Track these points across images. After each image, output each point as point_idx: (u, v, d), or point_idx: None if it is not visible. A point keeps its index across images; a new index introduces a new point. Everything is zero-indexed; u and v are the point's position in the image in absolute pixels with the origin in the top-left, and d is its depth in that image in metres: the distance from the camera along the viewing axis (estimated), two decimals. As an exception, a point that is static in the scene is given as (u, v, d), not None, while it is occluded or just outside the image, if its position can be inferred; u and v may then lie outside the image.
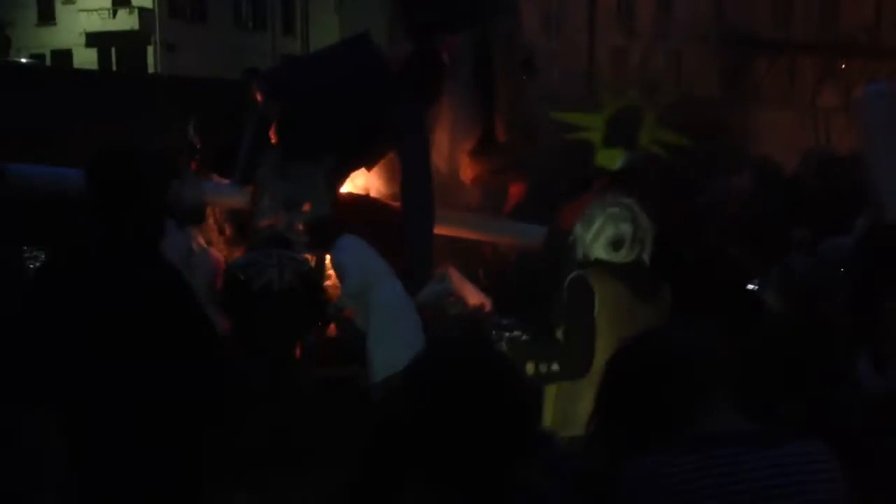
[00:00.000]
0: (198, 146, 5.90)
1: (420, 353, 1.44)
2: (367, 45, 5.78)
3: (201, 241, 4.96)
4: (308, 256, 4.97)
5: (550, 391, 3.26)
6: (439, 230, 5.68)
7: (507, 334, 4.66)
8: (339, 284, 4.89)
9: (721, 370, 1.62)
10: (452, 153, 5.79)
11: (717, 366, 1.62)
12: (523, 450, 1.38)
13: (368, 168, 6.10)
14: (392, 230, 5.48)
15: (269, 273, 4.28)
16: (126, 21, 31.38)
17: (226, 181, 5.74)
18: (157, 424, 2.24)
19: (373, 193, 6.22)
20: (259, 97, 5.67)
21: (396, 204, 5.86)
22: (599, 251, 3.25)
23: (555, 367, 3.21)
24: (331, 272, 5.09)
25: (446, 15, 5.45)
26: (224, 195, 5.68)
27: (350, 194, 6.10)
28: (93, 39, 31.46)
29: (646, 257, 3.26)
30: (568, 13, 37.79)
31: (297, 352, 4.45)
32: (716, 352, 1.63)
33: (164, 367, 2.23)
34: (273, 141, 5.61)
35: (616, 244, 3.24)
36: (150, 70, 29.32)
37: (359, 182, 6.22)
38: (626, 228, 3.23)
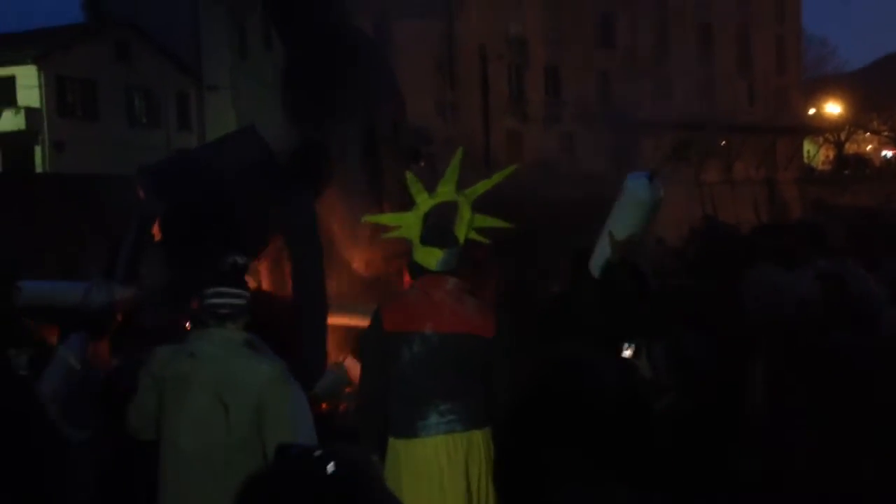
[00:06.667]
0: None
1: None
2: (253, 138, 5.75)
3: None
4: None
5: None
6: (333, 320, 5.58)
7: None
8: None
9: None
10: (343, 241, 5.75)
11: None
12: None
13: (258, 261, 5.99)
14: (284, 323, 5.36)
15: None
16: (12, 122, 30.58)
17: None
18: None
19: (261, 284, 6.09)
20: (141, 194, 5.54)
21: (286, 294, 5.74)
22: None
23: None
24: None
25: (331, 105, 5.49)
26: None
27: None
28: (-23, 141, 30.46)
29: None
30: (462, 99, 38.91)
31: None
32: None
33: None
34: (157, 238, 5.46)
35: None
36: (39, 170, 28.56)
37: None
38: None
